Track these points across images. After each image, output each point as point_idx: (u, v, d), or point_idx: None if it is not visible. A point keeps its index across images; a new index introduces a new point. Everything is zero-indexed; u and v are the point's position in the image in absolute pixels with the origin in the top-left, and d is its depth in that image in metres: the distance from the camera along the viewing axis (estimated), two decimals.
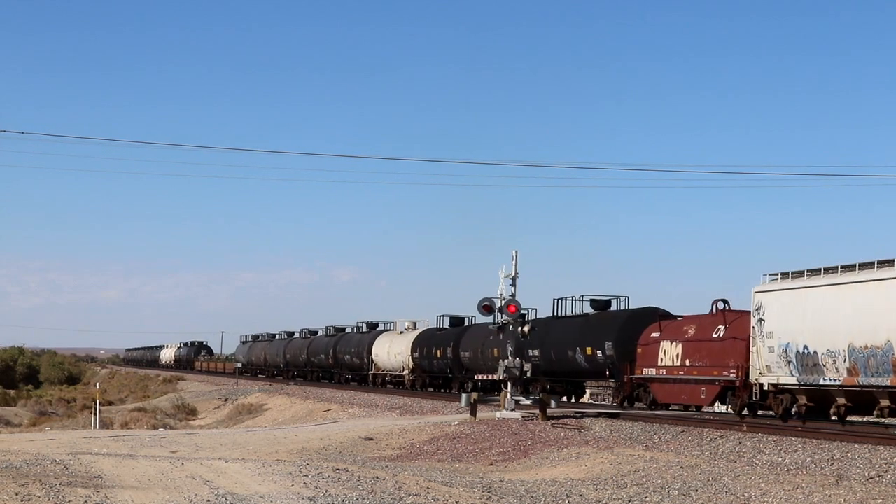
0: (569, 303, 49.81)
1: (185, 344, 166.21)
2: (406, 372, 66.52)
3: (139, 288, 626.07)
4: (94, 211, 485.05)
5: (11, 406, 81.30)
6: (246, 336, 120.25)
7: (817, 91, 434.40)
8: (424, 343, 64.57)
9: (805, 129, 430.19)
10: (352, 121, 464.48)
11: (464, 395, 39.09)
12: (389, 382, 69.53)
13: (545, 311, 53.54)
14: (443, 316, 66.32)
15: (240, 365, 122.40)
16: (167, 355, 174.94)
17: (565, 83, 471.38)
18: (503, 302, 38.31)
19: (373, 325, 77.36)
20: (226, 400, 73.58)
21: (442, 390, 62.72)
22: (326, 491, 20.03)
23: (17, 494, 17.99)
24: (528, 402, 38.84)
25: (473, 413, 37.69)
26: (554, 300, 50.41)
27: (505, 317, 38.67)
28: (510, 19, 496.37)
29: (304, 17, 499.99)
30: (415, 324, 69.84)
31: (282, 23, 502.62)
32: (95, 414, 55.23)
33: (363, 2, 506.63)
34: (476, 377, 51.16)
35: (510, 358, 38.32)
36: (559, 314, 50.23)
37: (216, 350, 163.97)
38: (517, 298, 38.49)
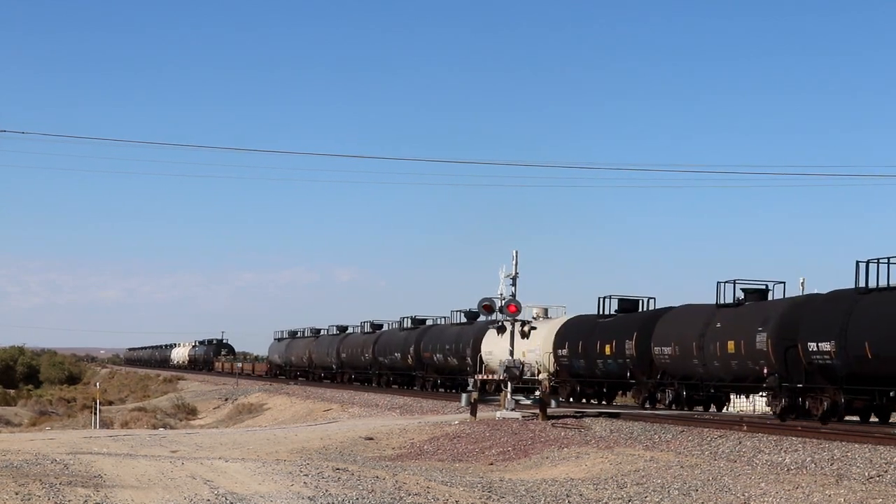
0: None
1: (202, 342, 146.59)
2: (544, 376, 46.77)
3: (139, 288, 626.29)
4: (94, 211, 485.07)
5: (11, 406, 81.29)
6: (281, 332, 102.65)
7: (817, 91, 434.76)
8: (579, 335, 47.26)
9: (805, 129, 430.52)
10: (352, 121, 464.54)
11: (464, 395, 39.09)
12: None
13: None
14: (607, 298, 47.44)
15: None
16: (180, 355, 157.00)
17: (565, 83, 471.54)
18: (503, 302, 38.32)
19: (473, 315, 59.15)
20: (226, 400, 73.64)
21: (603, 401, 47.87)
22: (326, 490, 20.04)
23: (17, 494, 18.00)
24: (528, 402, 38.85)
25: (473, 413, 37.70)
26: None
27: (504, 316, 38.69)
28: (510, 19, 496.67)
29: (303, 17, 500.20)
30: (546, 311, 52.41)
31: (281, 23, 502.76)
32: (95, 414, 55.24)
33: (363, 2, 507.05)
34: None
35: (510, 357, 38.32)
36: None
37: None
38: (517, 298, 38.52)
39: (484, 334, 53.56)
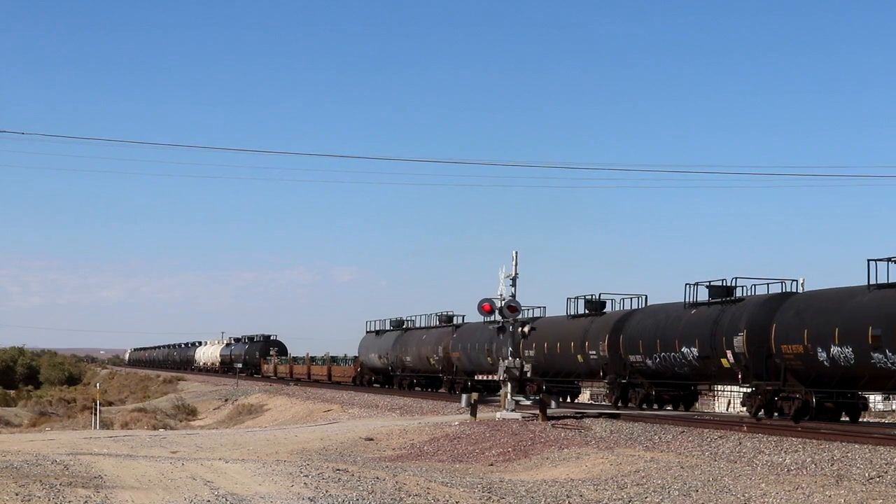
0: None
1: (240, 339, 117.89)
2: None
3: (139, 288, 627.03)
4: (94, 211, 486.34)
5: (11, 406, 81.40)
6: (381, 322, 74.09)
7: (817, 91, 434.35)
8: None
9: (804, 129, 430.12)
10: (352, 121, 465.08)
11: (464, 396, 39.07)
12: None
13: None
14: None
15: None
16: (208, 355, 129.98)
17: (566, 84, 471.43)
18: (503, 302, 38.30)
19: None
20: (226, 400, 73.64)
21: None
22: (326, 491, 20.03)
23: (17, 494, 17.98)
24: (528, 403, 38.83)
25: (473, 413, 37.68)
26: None
27: (504, 316, 38.66)
28: (512, 21, 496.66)
29: (304, 17, 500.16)
30: None
31: (282, 23, 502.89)
32: (95, 414, 55.24)
33: (364, 2, 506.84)
34: None
35: (510, 358, 38.30)
36: None
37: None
38: (517, 298, 38.51)
39: None
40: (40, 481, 19.71)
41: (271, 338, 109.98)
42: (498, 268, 38.92)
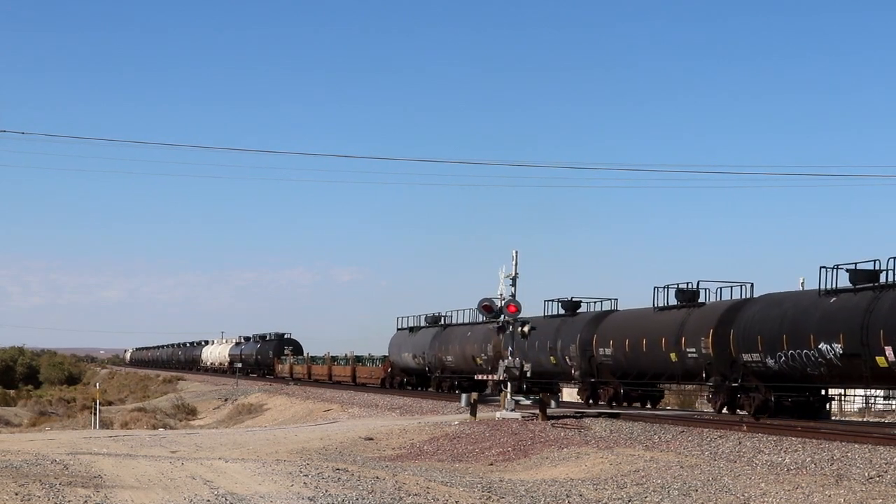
0: None
1: (249, 338, 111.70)
2: None
3: (140, 288, 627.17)
4: (94, 211, 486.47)
5: (11, 406, 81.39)
6: (415, 319, 66.62)
7: (818, 91, 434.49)
8: None
9: (804, 129, 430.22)
10: (352, 121, 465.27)
11: (464, 395, 39.06)
12: None
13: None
14: None
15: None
16: (216, 355, 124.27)
17: (567, 84, 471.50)
18: (503, 302, 38.29)
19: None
20: (226, 400, 73.64)
21: None
22: (326, 491, 20.02)
23: (17, 494, 17.98)
24: (528, 402, 38.82)
25: (473, 413, 37.68)
26: None
27: (504, 316, 38.63)
28: (511, 20, 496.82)
29: (304, 17, 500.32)
30: None
31: (282, 23, 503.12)
32: (95, 414, 55.20)
33: (363, 2, 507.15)
34: None
35: (510, 358, 38.29)
36: None
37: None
38: (517, 298, 38.49)
39: None
40: (40, 481, 19.71)
41: (285, 336, 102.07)
42: (498, 268, 38.95)
